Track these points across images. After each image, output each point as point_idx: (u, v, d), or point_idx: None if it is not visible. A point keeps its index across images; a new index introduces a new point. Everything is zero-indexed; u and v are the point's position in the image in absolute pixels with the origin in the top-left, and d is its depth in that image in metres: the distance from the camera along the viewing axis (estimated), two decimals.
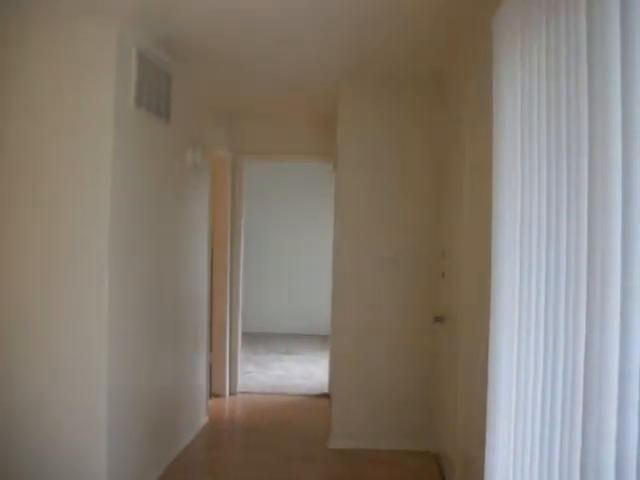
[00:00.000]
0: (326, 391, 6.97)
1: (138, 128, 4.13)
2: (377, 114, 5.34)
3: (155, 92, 4.30)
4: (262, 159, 7.37)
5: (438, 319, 4.73)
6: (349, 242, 5.34)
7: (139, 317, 4.27)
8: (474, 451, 3.38)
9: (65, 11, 3.67)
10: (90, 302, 3.76)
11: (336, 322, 5.48)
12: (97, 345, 3.75)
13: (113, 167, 3.76)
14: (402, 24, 3.87)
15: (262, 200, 10.49)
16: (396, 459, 5.08)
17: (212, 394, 6.60)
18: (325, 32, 4.08)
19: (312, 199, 10.64)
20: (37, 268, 3.81)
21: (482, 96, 3.31)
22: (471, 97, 3.94)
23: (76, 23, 3.74)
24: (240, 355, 7.19)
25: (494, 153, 2.64)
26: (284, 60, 4.75)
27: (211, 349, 6.59)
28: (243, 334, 7.43)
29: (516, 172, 2.32)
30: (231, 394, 6.95)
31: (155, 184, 4.50)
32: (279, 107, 6.47)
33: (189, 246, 5.41)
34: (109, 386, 3.78)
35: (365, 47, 4.40)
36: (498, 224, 2.55)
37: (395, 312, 5.29)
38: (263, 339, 10.25)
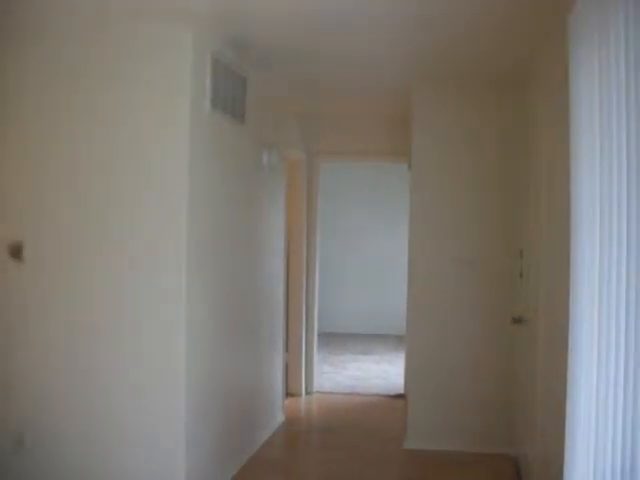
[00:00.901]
0: (402, 391, 6.95)
1: (214, 130, 4.22)
2: (452, 114, 5.30)
3: (230, 94, 4.37)
4: (337, 160, 7.42)
5: (516, 320, 4.64)
6: (424, 242, 5.32)
7: (216, 316, 4.35)
8: (553, 455, 3.32)
9: (141, 16, 3.76)
10: (168, 302, 3.85)
11: (412, 322, 5.46)
12: (175, 344, 3.83)
13: (190, 169, 3.84)
14: (477, 23, 3.83)
15: (340, 200, 10.53)
16: (472, 462, 5.02)
17: (288, 393, 6.67)
18: (401, 33, 4.06)
19: (389, 199, 10.62)
20: (117, 268, 3.92)
21: (559, 95, 3.25)
22: (548, 96, 3.87)
23: (152, 28, 3.84)
24: (316, 355, 7.24)
25: (572, 152, 2.59)
26: (359, 61, 4.75)
27: (287, 349, 6.66)
28: (319, 334, 7.48)
29: (594, 171, 2.28)
30: (307, 393, 7.00)
31: (231, 185, 4.58)
32: (354, 107, 6.49)
33: (265, 246, 5.49)
34: (187, 384, 3.86)
35: (440, 47, 4.36)
36: (577, 223, 2.51)
37: (471, 312, 5.24)
38: (339, 339, 10.28)
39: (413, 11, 3.63)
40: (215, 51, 4.07)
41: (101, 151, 3.96)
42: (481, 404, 5.22)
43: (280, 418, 5.98)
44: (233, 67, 4.39)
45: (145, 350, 3.88)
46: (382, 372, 8.20)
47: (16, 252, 4.05)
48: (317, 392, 7.08)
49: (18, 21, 3.87)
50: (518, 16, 3.66)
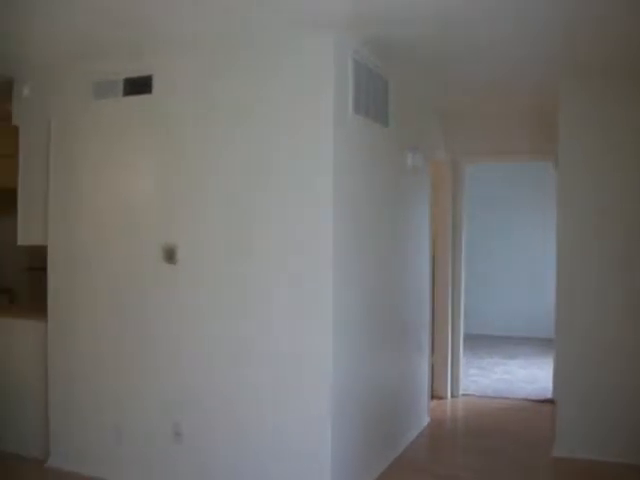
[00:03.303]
0: (550, 396, 6.73)
1: (357, 134, 4.27)
2: (601, 110, 5.06)
3: (372, 97, 4.41)
4: (481, 160, 7.30)
5: None
6: (574, 242, 5.12)
7: (362, 316, 4.41)
8: None
9: (282, 21, 3.85)
10: (314, 301, 3.94)
11: (561, 324, 5.27)
12: (321, 343, 3.92)
13: (334, 172, 3.91)
14: (624, 15, 3.66)
15: (486, 201, 10.35)
16: (625, 474, 4.75)
17: (433, 396, 6.63)
18: (547, 29, 3.95)
19: (535, 198, 10.32)
20: (265, 270, 4.07)
21: None
22: None
23: (294, 32, 3.94)
24: (462, 357, 7.16)
25: None
26: (503, 59, 4.65)
27: (433, 350, 6.63)
28: (465, 336, 7.39)
29: None
30: (452, 396, 6.93)
31: (375, 188, 4.63)
32: (497, 106, 6.35)
33: (410, 247, 5.50)
34: (333, 383, 3.93)
35: (587, 42, 4.19)
36: None
37: (627, 313, 4.98)
38: (485, 341, 10.09)
39: (559, 5, 3.52)
40: (356, 53, 4.12)
41: (245, 155, 4.14)
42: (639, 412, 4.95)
43: (425, 420, 5.96)
44: (374, 69, 4.43)
45: (291, 349, 4.00)
46: (529, 376, 7.97)
47: (170, 255, 4.30)
48: (463, 395, 7.00)
49: (175, 26, 4.08)
50: None
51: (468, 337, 8.16)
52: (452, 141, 6.74)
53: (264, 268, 4.07)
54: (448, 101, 6.08)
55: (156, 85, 4.42)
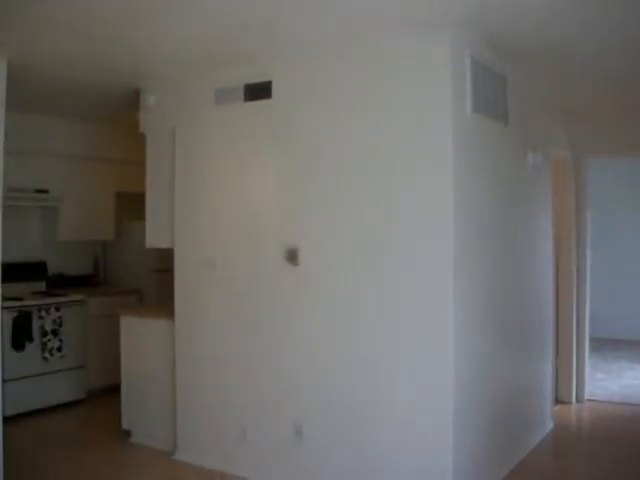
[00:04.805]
0: None
1: (476, 134, 4.21)
2: None
3: (491, 96, 4.33)
4: (605, 157, 7.01)
5: None
6: None
7: (484, 316, 4.34)
8: None
9: (398, 23, 3.85)
10: (435, 301, 3.91)
11: None
12: (442, 343, 3.88)
13: (454, 172, 3.87)
14: None
15: (612, 200, 9.95)
16: None
17: (557, 400, 6.43)
18: None
19: None
20: (384, 271, 4.08)
21: None
22: None
23: (409, 33, 3.92)
24: (587, 361, 6.90)
25: None
26: (620, 53, 4.45)
27: (557, 354, 6.44)
28: (591, 339, 7.12)
29: None
30: (577, 401, 6.69)
31: (495, 187, 4.54)
32: (617, 102, 6.06)
33: (532, 247, 5.36)
34: (455, 384, 3.89)
35: None
36: None
37: None
38: (612, 345, 9.66)
39: None
40: (473, 51, 4.06)
41: (364, 156, 4.16)
42: None
43: (549, 425, 5.79)
44: (492, 67, 4.34)
45: (412, 348, 3.99)
46: None
47: (292, 257, 4.39)
48: (588, 400, 6.74)
49: (295, 32, 4.17)
50: None
51: (594, 340, 7.85)
52: (576, 138, 6.51)
53: (383, 267, 4.08)
54: (570, 98, 5.86)
55: (275, 90, 4.52)
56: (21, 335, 6.00)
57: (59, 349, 6.32)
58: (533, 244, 5.39)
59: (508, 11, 3.64)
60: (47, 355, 6.23)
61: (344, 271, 4.23)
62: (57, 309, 6.33)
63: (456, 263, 3.89)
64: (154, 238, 5.31)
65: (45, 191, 6.62)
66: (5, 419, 4.58)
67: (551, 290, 5.92)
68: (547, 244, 5.76)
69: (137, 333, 5.39)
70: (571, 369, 6.65)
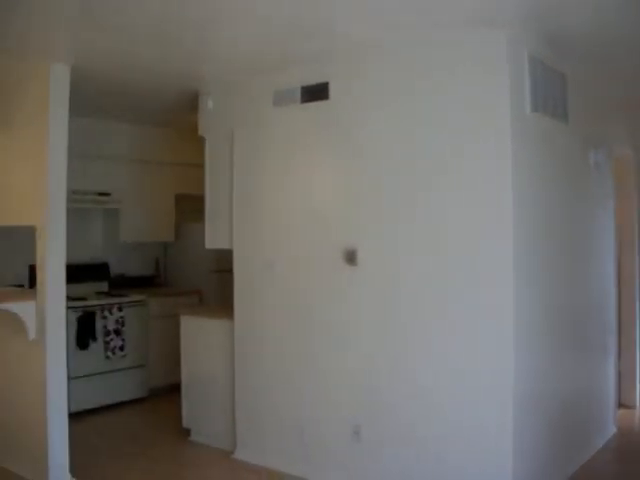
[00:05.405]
0: None
1: (535, 132, 4.15)
2: None
3: (550, 94, 4.26)
4: None
5: None
6: None
7: (545, 317, 4.28)
8: None
9: (456, 22, 3.83)
10: (495, 301, 3.87)
11: None
12: (503, 345, 3.84)
13: (513, 173, 3.82)
14: None
15: None
16: None
17: (620, 404, 6.28)
18: None
19: None
20: (441, 271, 4.05)
21: None
22: None
23: (467, 32, 3.89)
24: None
25: None
26: None
27: (620, 356, 6.30)
28: None
29: None
30: None
31: (557, 187, 4.47)
32: None
33: (594, 247, 5.26)
34: (515, 386, 3.84)
35: None
36: None
37: None
38: None
39: None
40: (531, 49, 4.01)
41: (422, 156, 4.15)
42: None
43: (611, 430, 5.66)
44: (551, 64, 4.28)
45: (472, 349, 3.95)
46: None
47: (351, 258, 4.41)
48: None
49: (352, 33, 4.18)
50: None
51: None
52: (637, 136, 6.36)
53: (441, 269, 4.06)
54: (633, 95, 5.73)
55: (333, 91, 4.54)
56: (85, 334, 6.16)
57: (121, 348, 6.46)
58: (594, 244, 5.29)
59: (567, 7, 3.58)
60: (110, 354, 6.38)
61: (403, 272, 4.21)
62: (119, 309, 6.48)
63: (516, 262, 3.84)
64: (213, 239, 5.38)
65: (107, 194, 6.79)
66: (71, 415, 4.73)
67: (614, 291, 5.80)
68: (609, 243, 5.64)
69: (197, 333, 5.48)
70: (634, 372, 6.49)
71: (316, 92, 4.64)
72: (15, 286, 5.69)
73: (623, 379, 6.43)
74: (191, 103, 5.60)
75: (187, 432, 5.56)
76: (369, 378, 4.37)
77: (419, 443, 4.14)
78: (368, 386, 4.37)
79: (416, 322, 4.16)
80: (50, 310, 4.45)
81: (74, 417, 5.33)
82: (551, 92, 4.27)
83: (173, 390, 6.27)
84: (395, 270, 4.25)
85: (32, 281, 4.99)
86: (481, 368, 3.91)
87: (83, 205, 6.51)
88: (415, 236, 4.16)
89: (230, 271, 5.19)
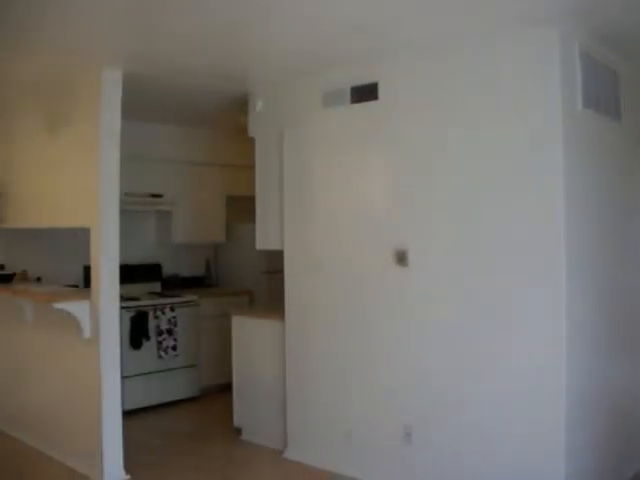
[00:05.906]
0: None
1: (587, 129, 4.06)
2: None
3: (602, 91, 4.17)
4: None
5: None
6: None
7: (598, 317, 4.19)
8: None
9: (505, 19, 3.77)
10: (548, 303, 3.80)
11: None
12: (555, 345, 3.77)
13: (565, 172, 3.75)
14: None
15: None
16: None
17: None
18: None
19: None
20: (489, 270, 4.01)
21: None
22: None
23: (517, 29, 3.84)
24: None
25: None
26: None
27: None
28: None
29: None
30: None
31: (608, 185, 4.37)
32: None
33: None
34: (567, 388, 3.76)
35: None
36: None
37: None
38: None
39: None
40: (583, 45, 3.93)
41: (472, 155, 4.10)
42: None
43: None
44: (603, 61, 4.19)
45: (524, 350, 3.89)
46: None
47: (401, 258, 4.39)
48: None
49: (402, 32, 4.16)
50: None
51: None
52: None
53: (492, 269, 4.01)
54: None
55: (382, 91, 4.53)
56: (138, 334, 6.26)
57: (174, 348, 6.54)
58: None
59: (619, 2, 3.50)
60: (162, 354, 6.46)
61: (454, 272, 4.18)
62: (172, 309, 6.56)
63: (569, 262, 3.77)
64: (264, 240, 5.41)
65: (160, 195, 6.89)
66: (124, 413, 4.81)
67: None
68: None
69: (248, 333, 5.52)
70: None
71: (365, 92, 4.63)
72: (70, 286, 5.82)
73: None
74: (241, 104, 5.65)
75: (238, 431, 5.61)
76: (420, 379, 4.34)
77: (472, 446, 4.09)
78: (420, 386, 4.34)
79: (468, 322, 4.11)
80: (104, 310, 4.54)
81: (127, 415, 5.42)
82: (603, 89, 4.19)
83: (224, 390, 6.34)
84: (446, 270, 4.21)
85: (87, 281, 5.09)
86: (533, 369, 3.84)
87: (136, 207, 6.62)
88: (467, 236, 4.12)
89: (280, 271, 5.22)
